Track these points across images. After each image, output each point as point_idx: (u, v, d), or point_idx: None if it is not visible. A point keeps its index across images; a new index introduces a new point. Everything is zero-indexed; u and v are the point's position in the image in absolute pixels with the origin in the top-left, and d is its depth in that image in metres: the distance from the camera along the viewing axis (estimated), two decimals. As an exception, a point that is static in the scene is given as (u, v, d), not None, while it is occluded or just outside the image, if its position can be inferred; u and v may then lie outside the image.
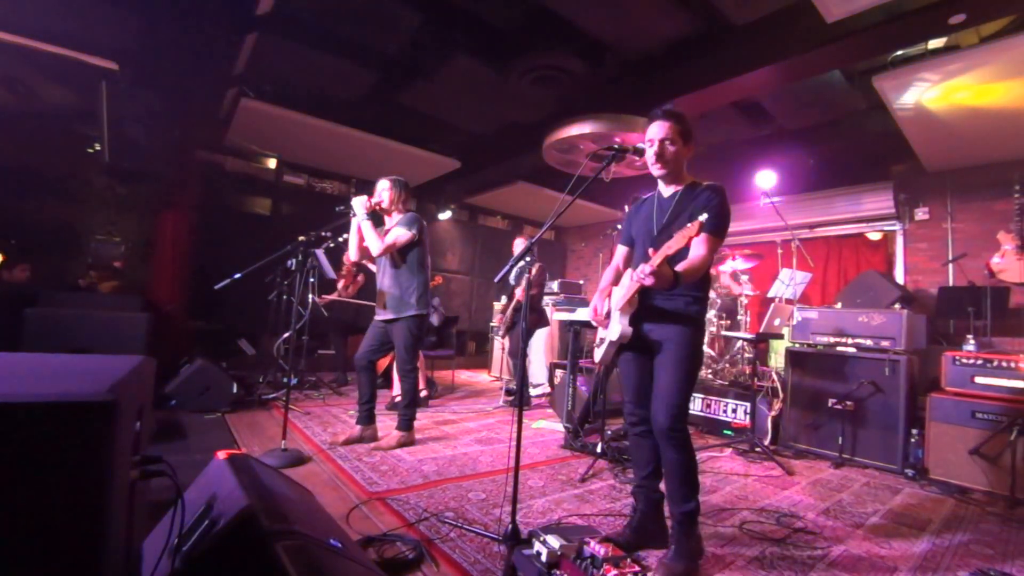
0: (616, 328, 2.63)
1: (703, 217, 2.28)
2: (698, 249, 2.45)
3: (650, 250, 2.31)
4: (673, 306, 2.58)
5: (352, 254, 4.45)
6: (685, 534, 2.45)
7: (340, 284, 7.18)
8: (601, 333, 2.82)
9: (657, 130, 2.67)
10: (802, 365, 4.92)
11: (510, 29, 4.98)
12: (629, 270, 2.63)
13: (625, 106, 5.79)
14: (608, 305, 2.77)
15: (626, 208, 4.37)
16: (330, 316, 7.16)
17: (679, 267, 2.35)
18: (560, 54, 5.24)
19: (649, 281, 2.22)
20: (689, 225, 2.19)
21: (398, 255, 4.33)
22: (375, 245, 4.17)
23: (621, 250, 2.96)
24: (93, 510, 1.07)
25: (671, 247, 2.24)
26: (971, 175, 6.32)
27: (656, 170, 2.70)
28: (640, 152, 2.93)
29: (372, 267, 6.19)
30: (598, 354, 2.83)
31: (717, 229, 2.49)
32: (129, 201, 7.23)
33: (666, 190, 2.75)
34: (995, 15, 4.06)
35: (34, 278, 6.13)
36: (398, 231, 4.23)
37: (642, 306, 2.63)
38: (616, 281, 2.81)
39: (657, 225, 2.68)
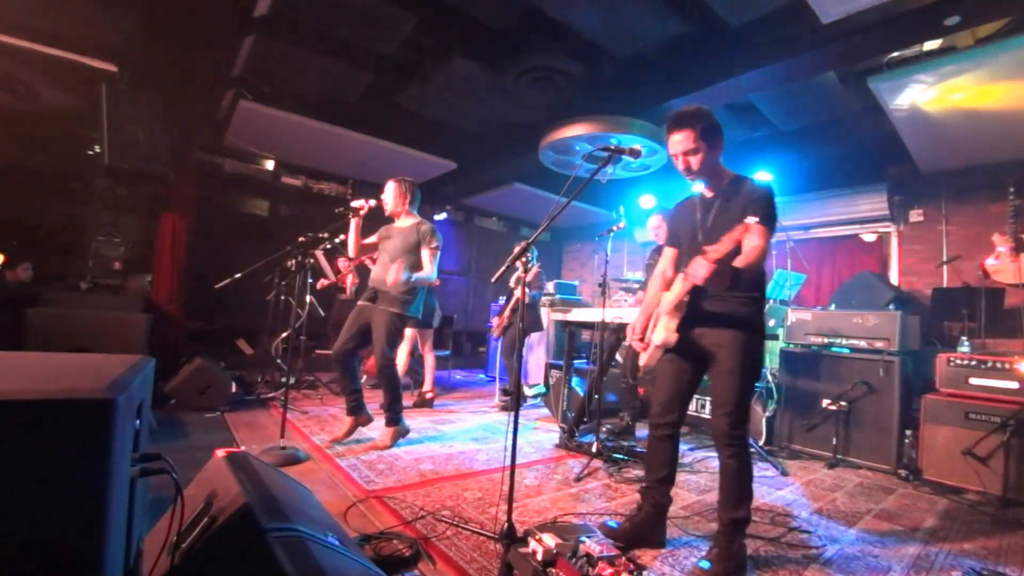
0: (661, 333, 2.53)
1: (752, 220, 2.26)
2: (752, 240, 2.34)
3: (705, 247, 2.23)
4: (728, 309, 2.49)
5: (352, 253, 4.49)
6: (730, 540, 2.44)
7: (347, 286, 7.20)
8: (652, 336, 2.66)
9: (676, 143, 2.55)
10: (796, 366, 4.94)
11: (506, 31, 5.01)
12: (681, 273, 2.51)
13: (621, 107, 5.81)
14: (654, 320, 2.67)
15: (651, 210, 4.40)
16: (333, 317, 7.17)
17: (737, 262, 2.26)
18: (555, 55, 5.26)
19: (700, 280, 2.17)
20: (735, 228, 2.13)
21: (407, 253, 4.34)
22: (432, 275, 4.33)
23: (668, 252, 2.90)
24: (94, 506, 1.09)
25: (720, 251, 2.17)
26: (966, 177, 6.33)
27: (690, 182, 2.65)
28: (636, 153, 2.94)
29: (371, 265, 6.21)
30: (643, 358, 2.70)
31: (769, 217, 2.39)
32: (129, 202, 7.22)
33: (709, 190, 2.67)
34: (991, 17, 4.06)
35: (36, 278, 6.15)
36: (431, 255, 4.32)
37: (693, 309, 2.52)
38: (666, 286, 2.71)
39: (703, 226, 2.62)
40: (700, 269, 2.19)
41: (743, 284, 2.44)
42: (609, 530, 2.62)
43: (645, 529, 2.68)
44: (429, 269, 4.31)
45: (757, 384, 5.10)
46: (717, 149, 2.57)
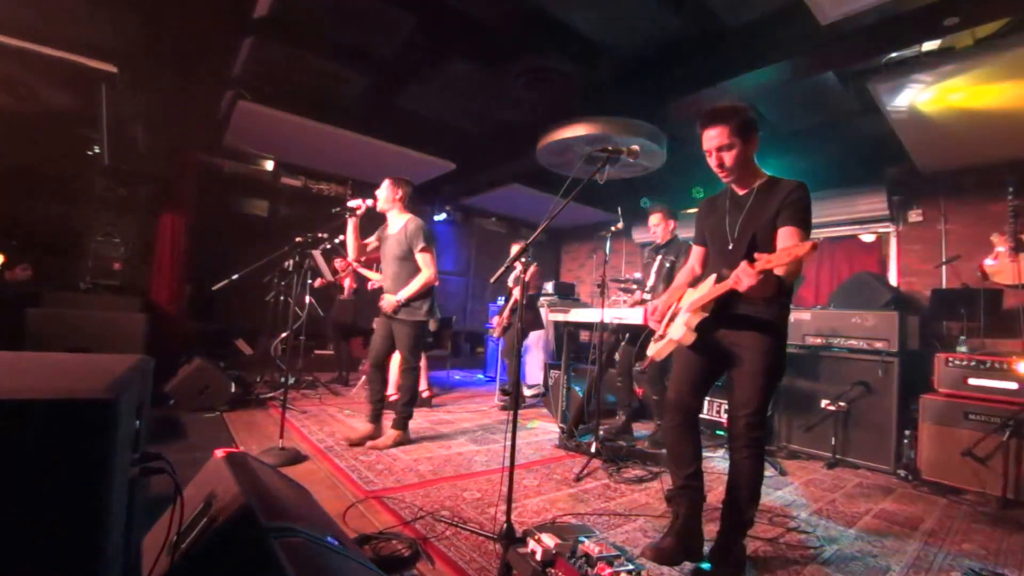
0: (680, 329, 2.52)
1: (790, 227, 2.29)
2: (787, 242, 2.31)
3: (755, 254, 2.15)
4: (754, 311, 2.45)
5: (351, 254, 4.50)
6: (733, 541, 2.44)
7: (344, 286, 7.22)
8: (668, 331, 2.67)
9: (711, 139, 2.48)
10: (795, 366, 4.94)
11: (504, 31, 5.00)
12: (712, 275, 2.50)
13: (619, 108, 5.81)
14: (672, 308, 2.69)
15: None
16: (330, 318, 7.18)
17: (777, 270, 2.19)
18: (554, 56, 5.26)
19: (744, 287, 2.11)
20: (800, 244, 2.03)
21: (403, 260, 4.36)
22: (431, 279, 4.34)
23: (696, 251, 2.86)
24: (94, 506, 1.09)
25: (771, 262, 2.08)
26: (964, 177, 6.32)
27: (724, 179, 2.58)
28: (635, 154, 2.94)
29: (363, 271, 6.25)
30: (653, 348, 2.72)
31: (806, 222, 2.36)
32: (129, 202, 7.24)
33: (740, 188, 2.60)
34: (989, 17, 4.05)
35: (35, 278, 6.15)
36: (426, 257, 4.33)
37: (719, 310, 2.49)
38: (693, 283, 2.71)
39: (732, 227, 2.55)
40: (746, 277, 2.11)
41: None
42: (655, 553, 2.45)
43: (692, 538, 2.51)
44: (428, 272, 4.33)
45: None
46: (752, 145, 2.50)
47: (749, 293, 2.18)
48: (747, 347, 2.44)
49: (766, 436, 4.81)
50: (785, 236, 2.34)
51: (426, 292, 4.36)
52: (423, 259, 4.33)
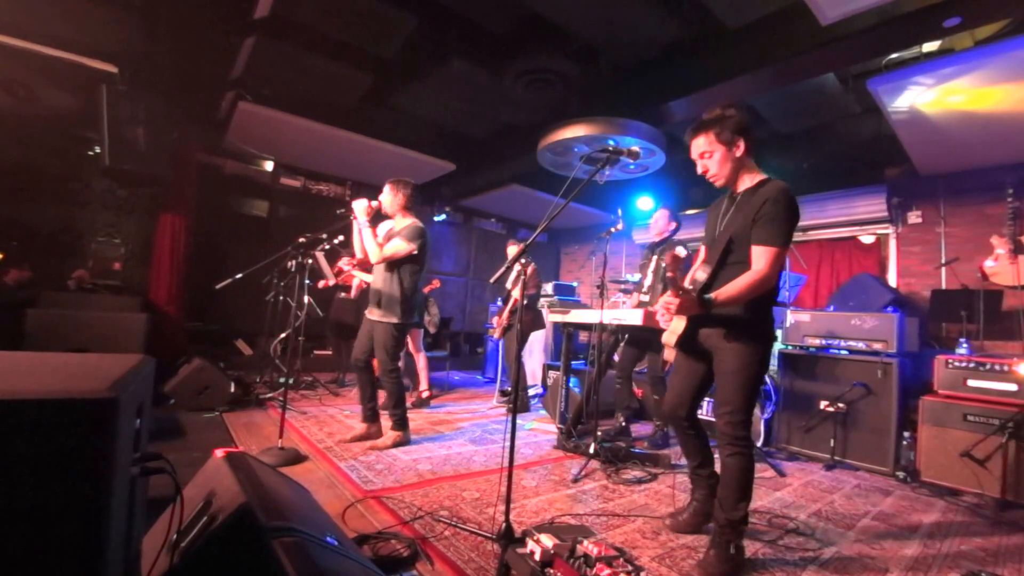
0: (667, 333, 2.64)
1: (756, 247, 2.38)
2: (756, 263, 2.38)
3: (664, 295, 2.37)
4: (730, 312, 2.47)
5: (358, 254, 4.50)
6: (728, 539, 2.45)
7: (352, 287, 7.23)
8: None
9: (696, 148, 2.61)
10: (795, 368, 4.95)
11: (504, 33, 5.01)
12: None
13: (619, 109, 5.82)
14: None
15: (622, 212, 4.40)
16: (331, 317, 7.18)
17: (724, 290, 2.34)
18: (554, 57, 5.26)
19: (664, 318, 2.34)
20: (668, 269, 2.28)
21: (394, 262, 4.34)
22: (374, 253, 4.19)
23: (702, 251, 2.90)
24: (94, 506, 1.09)
25: (667, 305, 2.37)
26: (964, 179, 6.34)
27: (714, 184, 2.65)
28: (634, 155, 2.95)
29: (355, 272, 6.25)
30: (667, 353, 2.82)
31: (774, 239, 2.36)
32: (129, 203, 7.27)
33: (735, 190, 2.65)
34: (990, 18, 4.05)
35: (35, 279, 6.16)
36: (398, 244, 4.24)
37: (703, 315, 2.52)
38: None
39: (719, 227, 2.64)
40: (661, 307, 2.42)
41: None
42: (673, 523, 2.92)
43: (708, 517, 2.83)
44: (387, 249, 4.23)
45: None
46: (737, 149, 2.53)
47: (682, 312, 2.40)
48: (724, 347, 2.51)
49: (767, 437, 4.88)
50: (754, 257, 2.41)
51: (402, 295, 4.29)
52: (394, 241, 4.26)
